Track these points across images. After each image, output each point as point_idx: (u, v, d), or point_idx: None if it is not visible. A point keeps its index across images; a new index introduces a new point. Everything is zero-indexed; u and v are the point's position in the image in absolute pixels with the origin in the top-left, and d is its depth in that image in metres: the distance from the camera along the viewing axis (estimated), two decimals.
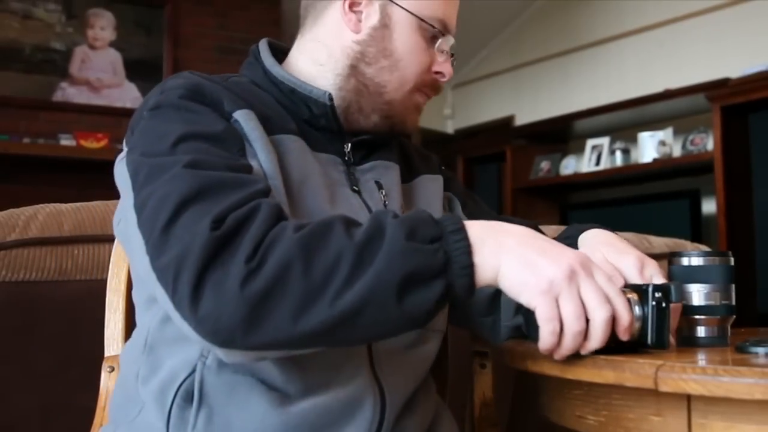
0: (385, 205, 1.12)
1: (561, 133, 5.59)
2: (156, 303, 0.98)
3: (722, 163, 4.14)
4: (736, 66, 4.38)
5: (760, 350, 0.99)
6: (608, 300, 0.87)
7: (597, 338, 0.88)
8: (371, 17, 1.11)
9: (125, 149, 1.02)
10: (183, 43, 4.92)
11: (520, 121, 6.18)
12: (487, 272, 0.86)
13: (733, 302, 1.12)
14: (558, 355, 0.90)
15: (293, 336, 0.81)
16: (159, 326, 1.00)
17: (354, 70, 1.11)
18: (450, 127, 7.01)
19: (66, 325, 1.39)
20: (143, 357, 1.02)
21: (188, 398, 0.96)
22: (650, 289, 1.00)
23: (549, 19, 6.07)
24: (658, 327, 1.00)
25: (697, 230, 4.57)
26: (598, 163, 5.17)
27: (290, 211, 0.99)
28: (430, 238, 0.84)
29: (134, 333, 1.09)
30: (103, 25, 4.91)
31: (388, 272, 0.81)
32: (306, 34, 1.16)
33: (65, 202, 1.44)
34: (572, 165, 5.38)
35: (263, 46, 1.17)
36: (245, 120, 1.00)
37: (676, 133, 4.77)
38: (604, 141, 5.19)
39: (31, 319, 1.40)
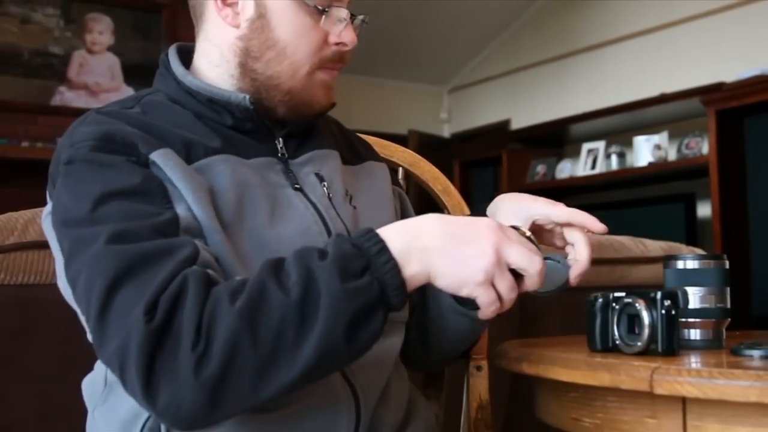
0: (329, 198, 1.08)
1: (557, 137, 5.60)
2: None
3: (717, 166, 4.15)
4: (731, 70, 4.39)
5: (755, 353, 1.00)
6: (530, 252, 0.91)
7: (535, 283, 0.92)
8: (246, 9, 1.05)
9: (49, 203, 0.99)
10: None
11: (516, 125, 6.18)
12: (419, 280, 0.89)
13: (728, 305, 1.13)
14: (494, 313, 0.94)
15: (257, 402, 0.83)
16: None
17: (244, 68, 1.06)
18: (446, 131, 7.01)
19: (64, 329, 1.38)
20: (104, 395, 1.01)
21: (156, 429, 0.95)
22: (659, 296, 1.00)
23: (545, 24, 6.08)
24: (668, 334, 1.00)
25: (692, 234, 4.57)
26: (593, 166, 5.18)
27: (232, 237, 0.97)
28: (360, 271, 0.85)
29: (95, 366, 1.06)
30: (102, 30, 4.91)
31: (335, 323, 0.82)
32: (200, 35, 1.11)
33: None
34: (568, 169, 5.39)
35: (172, 54, 1.11)
36: (164, 161, 0.96)
37: (671, 137, 4.78)
38: (600, 145, 5.20)
39: (30, 322, 1.40)
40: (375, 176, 1.20)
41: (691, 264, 1.13)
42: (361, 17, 1.11)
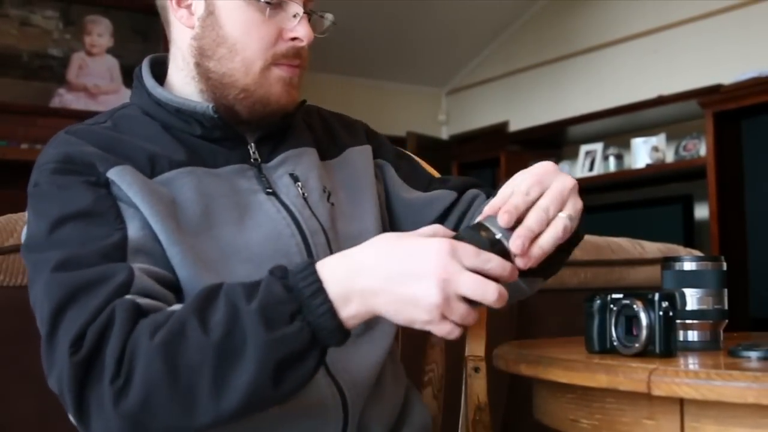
0: (304, 198, 1.08)
1: (555, 139, 5.60)
2: None
3: (715, 168, 4.16)
4: (729, 72, 4.40)
5: (753, 354, 1.00)
6: (484, 280, 0.84)
7: (495, 305, 0.85)
8: (198, 8, 1.06)
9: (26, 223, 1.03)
10: None
11: (514, 126, 6.19)
12: (361, 318, 0.86)
13: (726, 307, 1.13)
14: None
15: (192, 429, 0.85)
16: None
17: (200, 68, 1.07)
18: (444, 133, 7.01)
19: None
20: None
21: None
22: (657, 297, 1.00)
23: (543, 26, 6.09)
24: (665, 335, 1.01)
25: (689, 235, 4.58)
26: (591, 168, 5.18)
27: (199, 247, 0.98)
28: (290, 317, 0.83)
29: None
30: (101, 32, 4.91)
31: (260, 370, 0.82)
32: (170, 41, 1.12)
33: None
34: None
35: (145, 66, 1.13)
36: (120, 178, 0.98)
37: (669, 138, 4.79)
38: (598, 147, 5.21)
39: (29, 323, 1.39)
40: (354, 166, 1.19)
41: (689, 266, 1.13)
42: (329, 17, 1.11)
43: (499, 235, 0.87)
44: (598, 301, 1.08)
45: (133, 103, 1.11)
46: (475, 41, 6.46)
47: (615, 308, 1.06)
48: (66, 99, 4.79)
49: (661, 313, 1.01)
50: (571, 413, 1.08)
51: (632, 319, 1.04)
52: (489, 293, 0.83)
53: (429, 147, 6.16)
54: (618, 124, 5.06)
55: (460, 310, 0.83)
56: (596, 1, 5.65)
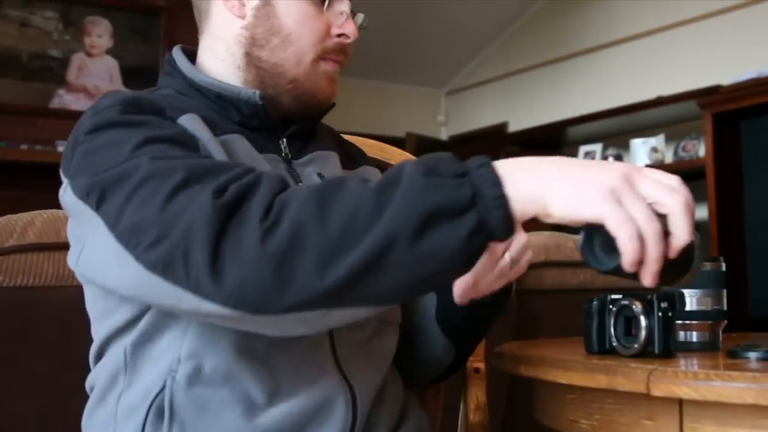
0: None
1: (554, 140, 5.60)
2: (126, 325, 0.98)
3: (714, 169, 4.16)
4: (728, 73, 4.40)
5: (752, 355, 1.00)
6: (667, 185, 0.78)
7: (682, 228, 0.76)
8: None
9: (65, 180, 0.96)
10: None
11: (513, 127, 6.19)
12: (529, 203, 0.77)
13: (725, 307, 1.14)
14: (648, 273, 0.77)
15: (322, 288, 0.77)
16: (131, 348, 0.98)
17: (250, 57, 1.08)
18: (444, 134, 7.01)
19: (63, 330, 1.39)
20: (112, 377, 1.01)
21: (160, 415, 0.95)
22: (656, 298, 1.01)
23: (542, 27, 6.09)
24: (664, 336, 1.01)
25: None
26: None
27: None
28: (453, 174, 0.77)
29: (94, 351, 1.06)
30: (100, 33, 4.91)
31: (405, 210, 0.75)
32: (204, 32, 1.13)
33: (62, 209, 1.45)
34: None
35: (178, 53, 1.13)
36: (191, 124, 0.97)
37: (668, 139, 4.79)
38: (597, 147, 5.21)
39: (29, 324, 1.41)
40: (372, 180, 1.21)
41: None
42: (362, 17, 1.13)
43: None
44: (597, 302, 1.09)
45: (167, 85, 1.11)
46: (475, 42, 6.47)
47: (614, 309, 1.07)
48: (66, 100, 4.79)
49: (660, 313, 1.01)
50: (571, 414, 1.08)
51: (631, 320, 1.04)
52: (677, 197, 0.76)
53: (428, 148, 6.16)
54: (617, 125, 5.06)
55: (641, 203, 0.76)
56: (595, 2, 5.66)
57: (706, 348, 1.12)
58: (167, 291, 0.81)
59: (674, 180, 0.79)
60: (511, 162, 0.80)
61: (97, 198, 0.88)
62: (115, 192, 0.86)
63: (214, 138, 0.98)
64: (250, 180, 0.82)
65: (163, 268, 0.80)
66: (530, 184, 0.78)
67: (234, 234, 0.78)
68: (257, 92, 1.06)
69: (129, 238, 0.83)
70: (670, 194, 0.77)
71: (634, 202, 0.76)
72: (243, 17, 1.08)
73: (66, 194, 0.96)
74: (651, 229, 0.75)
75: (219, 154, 0.96)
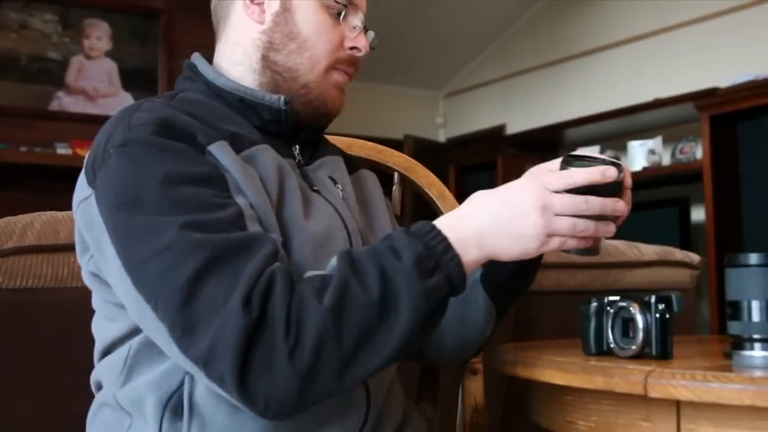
0: (343, 199, 1.14)
1: (552, 142, 5.60)
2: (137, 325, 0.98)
3: (711, 171, 4.17)
4: (725, 76, 4.41)
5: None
6: (574, 197, 0.97)
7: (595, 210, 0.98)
8: (272, 4, 1.11)
9: (89, 192, 0.97)
10: (178, 52, 4.91)
11: (511, 129, 6.19)
12: (478, 264, 0.97)
13: None
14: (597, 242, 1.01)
15: (340, 389, 0.89)
16: (141, 346, 0.99)
17: (266, 60, 1.11)
18: (442, 136, 7.02)
19: (62, 332, 1.39)
20: (125, 374, 1.01)
21: (178, 411, 0.96)
22: (653, 300, 1.01)
23: (540, 30, 6.10)
24: (661, 338, 1.01)
25: (686, 238, 4.59)
26: None
27: (277, 224, 0.99)
28: (432, 270, 0.91)
29: (99, 347, 1.06)
30: (99, 35, 4.91)
31: (416, 319, 0.89)
32: (221, 38, 1.16)
33: (61, 210, 1.45)
34: None
35: (199, 59, 1.15)
36: (222, 153, 0.97)
37: (665, 141, 4.79)
38: (595, 149, 5.21)
39: (28, 325, 1.41)
40: (368, 185, 1.25)
41: None
42: (372, 35, 1.17)
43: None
44: (595, 304, 1.09)
45: (187, 90, 1.12)
46: (472, 44, 6.47)
47: (612, 311, 1.07)
48: (65, 102, 4.79)
49: (657, 315, 1.01)
50: (568, 415, 1.09)
51: (629, 322, 1.04)
52: (580, 206, 0.95)
53: (426, 150, 6.17)
54: (615, 127, 5.07)
55: (564, 224, 0.95)
56: (593, 5, 5.67)
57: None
58: (186, 365, 0.89)
59: (574, 177, 0.97)
60: (454, 227, 0.94)
61: (122, 237, 0.92)
62: (139, 243, 0.89)
63: (242, 166, 0.98)
64: (267, 283, 0.86)
65: (194, 363, 0.87)
66: (477, 251, 0.95)
67: (263, 352, 0.84)
68: (282, 97, 1.09)
69: (145, 296, 0.89)
70: (575, 205, 0.96)
71: (560, 229, 0.95)
72: (262, 22, 1.12)
73: (87, 203, 0.97)
74: (582, 233, 0.97)
75: (246, 184, 0.97)
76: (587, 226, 0.97)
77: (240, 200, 0.95)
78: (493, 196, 0.97)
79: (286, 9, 1.11)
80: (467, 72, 6.77)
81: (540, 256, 1.11)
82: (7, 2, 4.69)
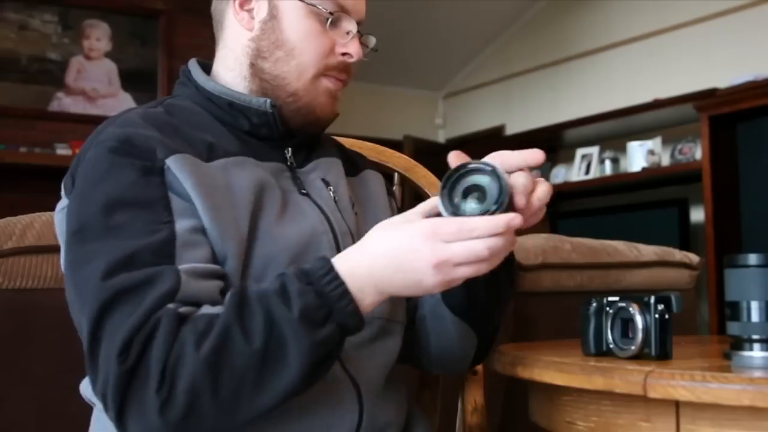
0: (335, 202, 1.13)
1: (551, 143, 5.61)
2: None
3: (710, 172, 4.17)
4: (724, 76, 4.41)
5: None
6: (471, 245, 0.88)
7: (494, 261, 0.90)
8: (261, 11, 1.11)
9: (64, 197, 1.04)
10: (177, 53, 4.91)
11: (510, 130, 6.20)
12: (378, 304, 0.94)
13: None
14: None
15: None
16: None
17: (254, 68, 1.11)
18: (441, 137, 7.02)
19: (62, 333, 1.39)
20: None
21: None
22: (652, 300, 1.01)
23: (539, 30, 6.10)
24: (661, 338, 1.01)
25: (685, 238, 4.59)
26: (587, 172, 5.19)
27: (245, 234, 1.00)
28: (323, 320, 0.89)
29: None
30: (99, 36, 4.91)
31: (301, 372, 0.88)
32: (219, 43, 1.17)
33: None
34: (562, 174, 5.40)
35: (193, 64, 1.17)
36: (179, 167, 0.99)
37: (664, 142, 4.80)
38: (594, 150, 5.22)
39: (28, 326, 1.41)
40: (372, 186, 1.24)
41: None
42: (374, 40, 1.17)
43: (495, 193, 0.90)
44: (594, 304, 1.09)
45: (180, 95, 1.15)
46: (472, 45, 6.48)
47: (611, 311, 1.07)
48: (64, 103, 4.79)
49: (656, 315, 1.01)
50: (568, 416, 1.09)
51: (628, 322, 1.05)
52: (481, 255, 0.88)
53: (426, 150, 6.16)
54: (614, 128, 5.07)
55: (461, 273, 0.89)
56: (592, 6, 5.67)
57: None
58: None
59: (479, 230, 0.88)
60: (352, 270, 0.91)
61: (67, 261, 0.99)
62: (72, 272, 0.96)
63: (202, 176, 0.99)
64: (150, 330, 0.87)
65: (94, 390, 0.91)
66: (374, 295, 0.92)
67: (136, 399, 0.86)
68: (268, 100, 1.09)
69: (76, 319, 0.97)
70: (476, 255, 0.88)
71: (458, 277, 0.90)
72: (251, 29, 1.11)
73: (59, 216, 1.05)
74: (482, 271, 0.90)
75: (201, 200, 0.98)
76: (483, 253, 0.88)
77: (181, 223, 0.96)
78: (392, 242, 0.91)
79: (273, 16, 1.10)
80: (467, 73, 6.78)
81: (507, 272, 1.09)
82: (6, 3, 4.69)
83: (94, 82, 4.88)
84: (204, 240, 0.97)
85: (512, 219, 0.88)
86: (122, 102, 4.83)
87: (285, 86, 1.10)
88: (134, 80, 4.94)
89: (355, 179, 1.22)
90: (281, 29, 1.10)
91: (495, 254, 0.88)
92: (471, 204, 0.90)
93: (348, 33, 1.12)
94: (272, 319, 0.88)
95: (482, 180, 0.90)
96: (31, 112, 4.68)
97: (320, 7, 1.09)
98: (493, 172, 0.90)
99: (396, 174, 1.47)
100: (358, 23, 1.14)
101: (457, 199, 0.90)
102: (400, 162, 1.48)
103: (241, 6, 1.12)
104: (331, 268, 0.91)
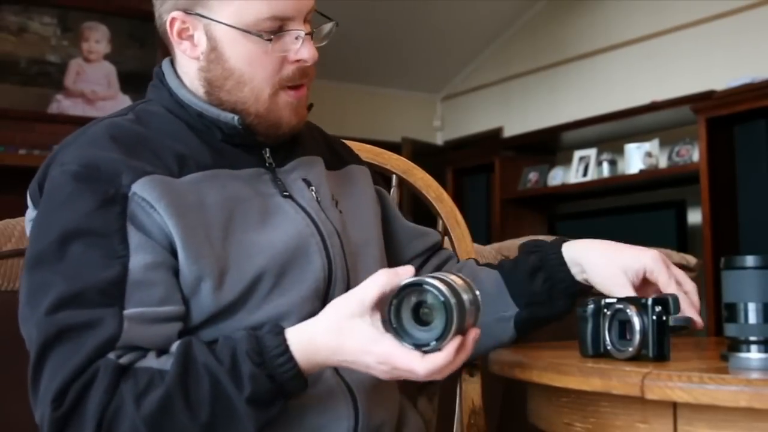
0: (317, 202, 1.12)
1: (549, 145, 5.61)
2: None
3: (708, 174, 4.17)
4: (722, 78, 4.41)
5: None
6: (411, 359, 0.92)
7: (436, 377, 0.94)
8: (201, 42, 1.08)
9: (32, 209, 1.05)
10: None
11: (508, 132, 6.20)
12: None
13: None
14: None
15: None
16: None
17: (211, 97, 1.09)
18: (439, 139, 7.02)
19: None
20: None
21: None
22: (650, 302, 1.02)
23: (537, 33, 6.11)
24: (658, 340, 1.02)
25: (683, 240, 4.59)
26: (585, 174, 5.20)
27: (224, 254, 1.00)
28: (273, 398, 0.92)
29: None
30: (98, 38, 4.91)
31: None
32: (175, 59, 1.15)
33: None
34: (560, 176, 5.41)
35: (167, 66, 1.14)
36: (148, 190, 0.98)
37: (662, 144, 4.80)
38: (592, 152, 5.22)
39: None
40: (357, 180, 1.24)
41: None
42: (329, 26, 1.12)
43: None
44: (592, 306, 1.09)
45: (153, 99, 1.13)
46: (470, 47, 6.48)
47: (608, 313, 1.07)
48: (63, 105, 4.79)
49: (654, 317, 1.02)
50: (566, 417, 1.09)
51: (625, 324, 1.05)
52: (416, 366, 0.90)
53: (424, 153, 6.17)
54: (611, 130, 5.07)
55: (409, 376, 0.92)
56: (590, 8, 5.68)
57: None
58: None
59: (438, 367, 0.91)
60: (302, 354, 0.93)
61: (24, 276, 1.00)
62: (25, 303, 0.99)
63: (174, 196, 0.99)
64: (88, 378, 0.89)
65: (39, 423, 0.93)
66: (323, 367, 0.97)
67: None
68: (236, 117, 1.08)
69: (27, 344, 0.99)
70: (409, 367, 0.91)
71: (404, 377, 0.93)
72: (197, 59, 1.09)
73: (29, 227, 1.06)
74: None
75: (174, 219, 0.98)
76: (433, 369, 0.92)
77: (137, 259, 0.96)
78: (347, 340, 0.93)
79: (213, 48, 1.07)
80: (465, 75, 6.78)
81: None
82: (6, 5, 4.69)
83: (93, 84, 4.88)
84: (161, 278, 0.97)
85: (454, 360, 0.91)
86: (121, 104, 4.84)
87: (246, 110, 1.08)
88: (133, 82, 4.94)
89: (338, 173, 1.21)
90: (225, 59, 1.07)
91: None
92: (417, 330, 0.91)
93: (297, 38, 1.07)
94: (220, 395, 0.89)
95: (433, 302, 0.90)
96: (30, 114, 4.68)
97: (255, 33, 1.05)
98: (444, 303, 0.90)
99: (394, 176, 1.48)
100: (306, 20, 1.09)
101: (406, 316, 0.91)
102: (398, 164, 1.48)
103: (180, 36, 1.09)
104: (286, 349, 0.92)
